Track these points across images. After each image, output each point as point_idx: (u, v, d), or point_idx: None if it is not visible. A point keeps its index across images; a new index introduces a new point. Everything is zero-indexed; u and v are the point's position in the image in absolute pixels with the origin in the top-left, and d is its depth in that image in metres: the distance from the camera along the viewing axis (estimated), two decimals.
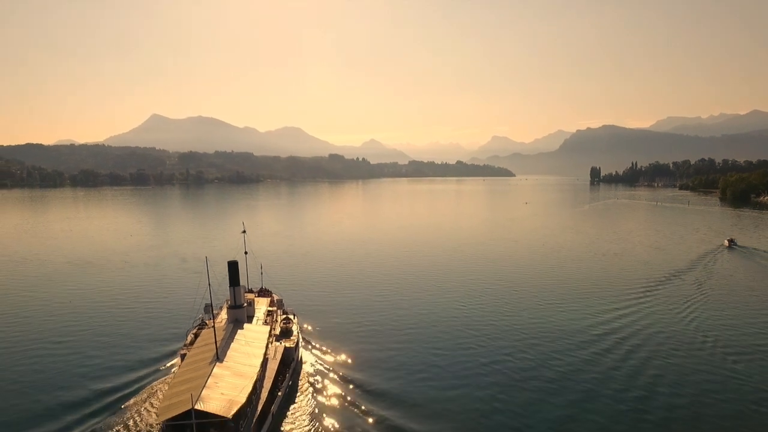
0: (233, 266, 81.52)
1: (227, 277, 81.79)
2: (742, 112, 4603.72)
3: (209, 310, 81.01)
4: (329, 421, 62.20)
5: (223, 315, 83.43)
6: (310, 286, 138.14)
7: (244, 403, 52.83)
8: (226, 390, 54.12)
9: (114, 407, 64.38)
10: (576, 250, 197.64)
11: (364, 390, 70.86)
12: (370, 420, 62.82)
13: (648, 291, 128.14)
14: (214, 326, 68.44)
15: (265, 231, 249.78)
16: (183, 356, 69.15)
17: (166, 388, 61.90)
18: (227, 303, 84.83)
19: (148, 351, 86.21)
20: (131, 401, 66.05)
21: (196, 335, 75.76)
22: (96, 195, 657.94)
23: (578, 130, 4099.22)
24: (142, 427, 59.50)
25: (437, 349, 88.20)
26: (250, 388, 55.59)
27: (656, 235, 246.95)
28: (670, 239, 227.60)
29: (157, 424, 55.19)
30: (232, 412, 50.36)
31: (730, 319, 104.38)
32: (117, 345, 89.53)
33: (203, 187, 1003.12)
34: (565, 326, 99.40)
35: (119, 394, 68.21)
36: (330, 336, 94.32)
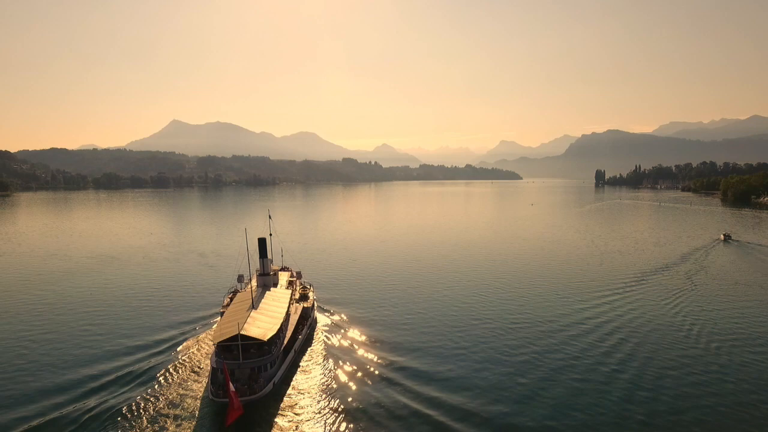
0: (262, 242, 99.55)
1: (256, 253, 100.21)
2: (743, 117, 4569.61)
3: (242, 279, 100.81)
4: (337, 359, 79.02)
5: (254, 282, 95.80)
6: (324, 268, 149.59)
7: (275, 334, 69.95)
8: (261, 325, 71.25)
9: (171, 349, 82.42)
10: (579, 246, 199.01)
11: (366, 340, 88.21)
12: (369, 358, 79.87)
13: (647, 282, 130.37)
14: (251, 287, 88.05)
15: (281, 230, 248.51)
16: (222, 313, 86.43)
17: (215, 326, 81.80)
18: (257, 272, 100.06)
19: (191, 314, 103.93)
20: (183, 346, 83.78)
21: (232, 298, 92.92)
22: (118, 197, 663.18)
23: (583, 135, 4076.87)
24: (194, 358, 78.34)
25: (432, 316, 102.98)
26: (278, 325, 72.62)
27: (658, 232, 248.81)
28: (672, 235, 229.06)
29: (213, 345, 70.88)
30: (267, 337, 67.42)
31: (723, 307, 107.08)
32: (163, 312, 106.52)
33: (221, 189, 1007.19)
34: (562, 315, 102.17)
35: (173, 342, 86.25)
36: (340, 303, 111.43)
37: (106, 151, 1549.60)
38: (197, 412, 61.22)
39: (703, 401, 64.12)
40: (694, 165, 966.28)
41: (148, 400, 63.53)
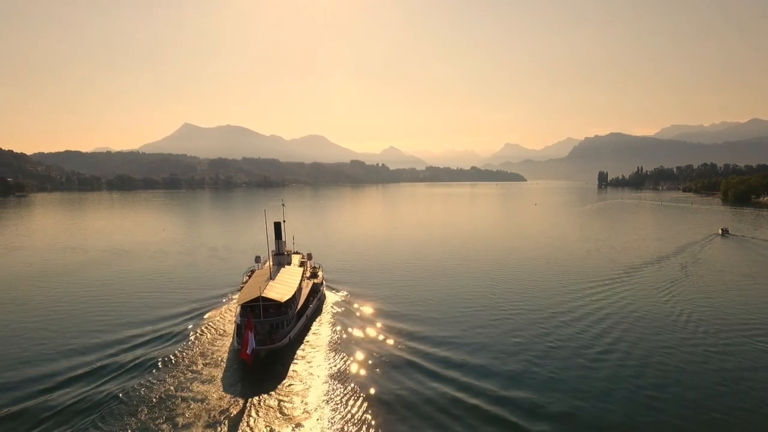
0: (278, 225, 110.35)
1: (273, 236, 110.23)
2: (743, 120, 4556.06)
3: (259, 260, 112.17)
4: (342, 325, 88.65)
5: (270, 262, 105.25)
6: (332, 260, 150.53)
7: (290, 298, 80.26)
8: (278, 290, 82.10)
9: (198, 317, 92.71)
10: (580, 240, 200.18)
11: (370, 311, 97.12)
12: (371, 323, 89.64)
13: (647, 272, 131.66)
14: (268, 264, 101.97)
15: (291, 227, 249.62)
16: (243, 285, 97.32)
17: (239, 293, 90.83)
18: (272, 253, 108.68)
19: (213, 291, 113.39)
20: (209, 314, 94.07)
21: (250, 276, 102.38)
22: (131, 197, 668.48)
23: (586, 138, 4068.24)
24: (220, 321, 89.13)
25: (435, 296, 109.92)
26: (293, 292, 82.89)
27: (659, 227, 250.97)
28: (672, 231, 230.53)
29: (237, 306, 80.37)
30: (284, 299, 78.07)
31: (713, 294, 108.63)
32: (186, 290, 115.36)
33: (232, 190, 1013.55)
34: (558, 299, 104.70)
35: (200, 311, 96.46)
36: (346, 283, 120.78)
37: (120, 153, 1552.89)
38: (225, 358, 72.50)
39: (690, 376, 65.59)
40: (695, 167, 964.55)
41: (185, 351, 74.47)
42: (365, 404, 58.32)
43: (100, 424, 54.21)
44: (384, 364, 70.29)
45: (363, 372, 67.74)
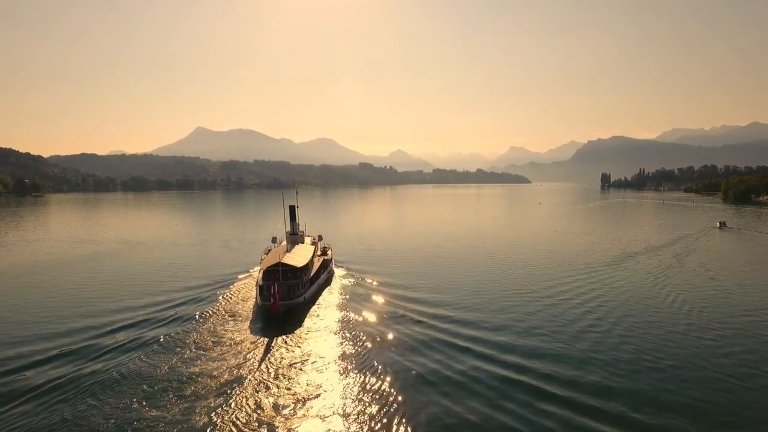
0: (292, 208, 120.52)
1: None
2: (743, 124, 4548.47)
3: (275, 240, 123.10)
4: (351, 293, 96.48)
5: (285, 241, 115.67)
6: (341, 244, 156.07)
7: (305, 264, 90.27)
8: (295, 259, 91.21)
9: (223, 287, 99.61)
10: (580, 234, 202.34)
11: (377, 284, 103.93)
12: (378, 291, 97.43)
13: (644, 261, 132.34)
14: (284, 243, 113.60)
15: (303, 220, 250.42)
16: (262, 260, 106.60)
17: (261, 263, 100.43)
18: (287, 233, 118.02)
19: (232, 269, 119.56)
20: (232, 286, 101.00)
21: (268, 253, 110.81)
22: (145, 198, 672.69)
23: (590, 141, 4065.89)
24: (242, 289, 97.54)
25: (445, 278, 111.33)
26: (307, 261, 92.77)
27: (659, 222, 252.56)
28: (671, 225, 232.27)
29: (260, 272, 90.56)
30: (300, 265, 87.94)
31: (705, 281, 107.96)
32: (206, 269, 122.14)
33: (243, 191, 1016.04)
34: (555, 279, 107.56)
35: (224, 282, 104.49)
36: (353, 263, 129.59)
37: (134, 156, 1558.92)
38: (250, 312, 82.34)
39: (676, 355, 64.73)
40: (696, 168, 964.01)
41: (215, 309, 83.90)
42: (368, 343, 67.24)
43: (148, 358, 62.09)
44: (387, 318, 78.90)
45: (366, 322, 77.36)
